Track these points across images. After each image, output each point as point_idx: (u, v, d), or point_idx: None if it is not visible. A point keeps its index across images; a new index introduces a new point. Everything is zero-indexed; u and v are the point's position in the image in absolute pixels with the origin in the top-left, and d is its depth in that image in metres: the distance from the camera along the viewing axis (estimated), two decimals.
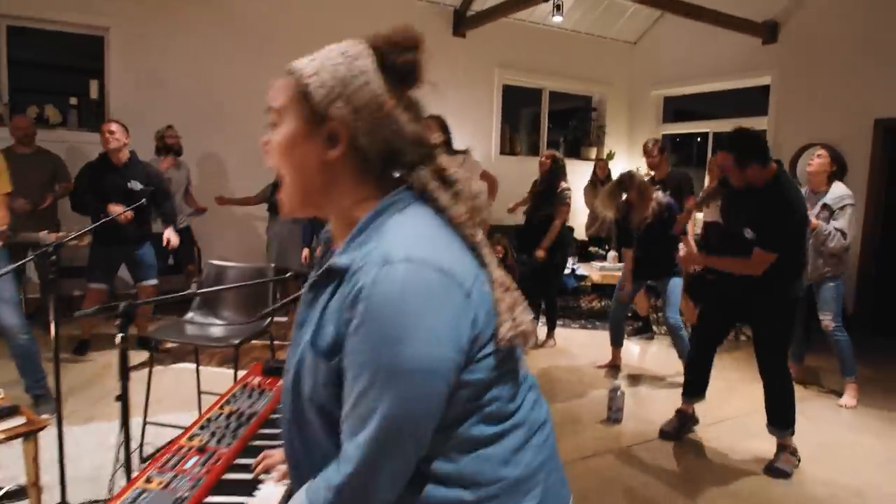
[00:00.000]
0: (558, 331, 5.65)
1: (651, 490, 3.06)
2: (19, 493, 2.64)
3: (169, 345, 4.68)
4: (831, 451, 3.54)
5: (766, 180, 3.09)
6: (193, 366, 4.35)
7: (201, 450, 1.53)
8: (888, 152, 6.21)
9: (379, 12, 7.21)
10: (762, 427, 3.35)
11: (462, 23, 7.71)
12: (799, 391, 4.48)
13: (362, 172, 0.93)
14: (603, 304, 6.96)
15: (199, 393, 3.45)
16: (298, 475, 1.00)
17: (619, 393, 3.86)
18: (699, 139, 9.30)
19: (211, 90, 6.44)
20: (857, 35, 6.35)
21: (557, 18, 6.48)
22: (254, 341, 3.67)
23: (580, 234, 7.97)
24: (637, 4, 6.82)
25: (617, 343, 4.91)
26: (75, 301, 5.00)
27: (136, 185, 4.41)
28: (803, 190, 4.32)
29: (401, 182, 0.95)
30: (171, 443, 1.60)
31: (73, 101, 6.11)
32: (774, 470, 3.22)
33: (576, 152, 8.89)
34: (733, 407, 4.12)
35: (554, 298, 5.57)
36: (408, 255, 0.82)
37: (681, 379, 3.82)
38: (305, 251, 4.97)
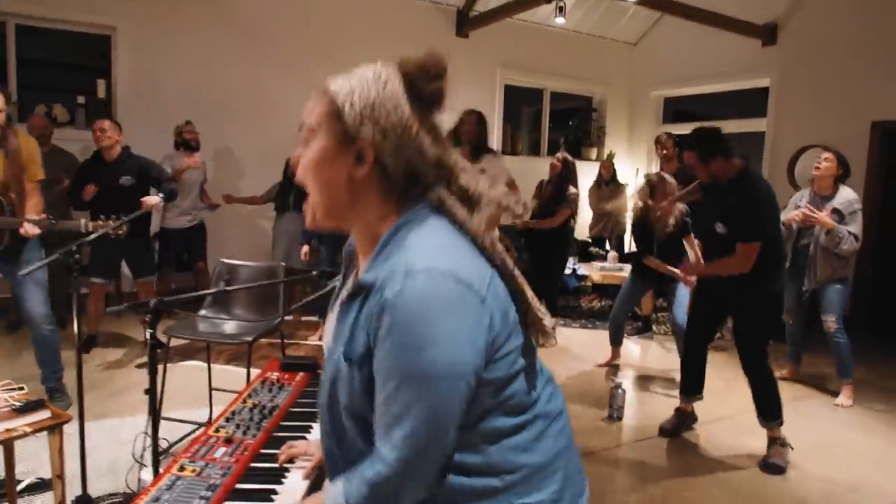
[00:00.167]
0: (559, 330, 5.73)
1: (651, 486, 3.15)
2: (40, 485, 2.71)
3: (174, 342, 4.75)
4: (827, 449, 3.62)
5: (732, 175, 3.22)
6: (201, 363, 4.45)
7: (228, 440, 1.60)
8: (885, 154, 6.30)
9: (383, 12, 7.31)
10: (758, 424, 3.44)
11: (465, 23, 7.79)
12: (795, 390, 4.59)
13: (386, 190, 1.00)
14: (603, 303, 7.04)
15: (211, 389, 3.51)
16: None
17: (620, 391, 3.94)
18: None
19: (217, 89, 6.51)
20: (856, 38, 6.43)
21: (560, 20, 6.55)
22: (261, 340, 3.74)
23: (583, 234, 8.02)
24: (637, 6, 6.89)
25: (616, 342, 4.99)
26: (80, 297, 5.06)
27: (126, 181, 4.50)
28: (806, 192, 4.40)
29: (420, 198, 1.01)
30: (196, 438, 1.67)
31: (81, 99, 6.18)
32: (770, 466, 3.31)
33: (576, 152, 8.95)
34: (731, 405, 4.19)
35: (555, 298, 5.65)
36: (428, 266, 0.89)
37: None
38: (305, 248, 5.04)
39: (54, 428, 2.20)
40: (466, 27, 7.80)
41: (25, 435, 2.11)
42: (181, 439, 3.23)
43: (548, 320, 1.07)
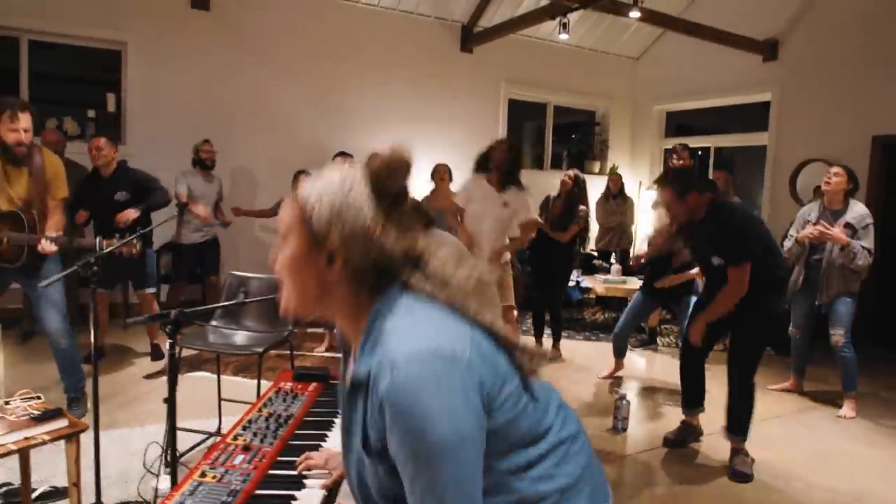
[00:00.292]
0: (563, 342, 5.76)
1: (656, 497, 3.18)
2: (53, 494, 2.75)
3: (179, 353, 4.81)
4: (830, 459, 3.65)
5: (707, 208, 3.32)
6: (208, 374, 4.50)
7: (246, 448, 1.65)
8: (886, 168, 6.37)
9: (390, 28, 7.43)
10: (762, 436, 3.48)
11: (469, 39, 7.90)
12: (799, 402, 4.62)
13: (357, 285, 1.06)
14: (606, 316, 7.08)
15: (220, 399, 3.56)
16: None
17: (624, 402, 3.97)
18: (700, 153, 9.45)
19: (225, 103, 6.60)
20: (856, 53, 6.51)
21: (564, 36, 6.62)
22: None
23: (589, 247, 8.05)
24: (639, 22, 6.98)
25: (620, 354, 5.03)
26: (85, 309, 5.11)
27: (121, 196, 4.53)
28: (814, 206, 4.44)
29: (390, 285, 1.07)
30: (214, 445, 1.71)
31: (91, 113, 6.27)
32: (738, 474, 3.35)
33: (579, 165, 8.98)
34: None
35: (559, 311, 5.69)
36: (407, 354, 0.95)
37: None
38: None
39: (71, 437, 2.24)
40: (471, 43, 7.91)
41: (44, 443, 2.16)
42: (191, 449, 3.27)
43: (536, 359, 1.10)
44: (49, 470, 2.97)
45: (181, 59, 6.39)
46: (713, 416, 3.85)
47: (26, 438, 2.12)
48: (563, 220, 5.44)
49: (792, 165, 7.10)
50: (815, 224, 4.26)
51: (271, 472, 1.57)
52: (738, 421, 3.44)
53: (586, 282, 6.48)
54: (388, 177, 1.05)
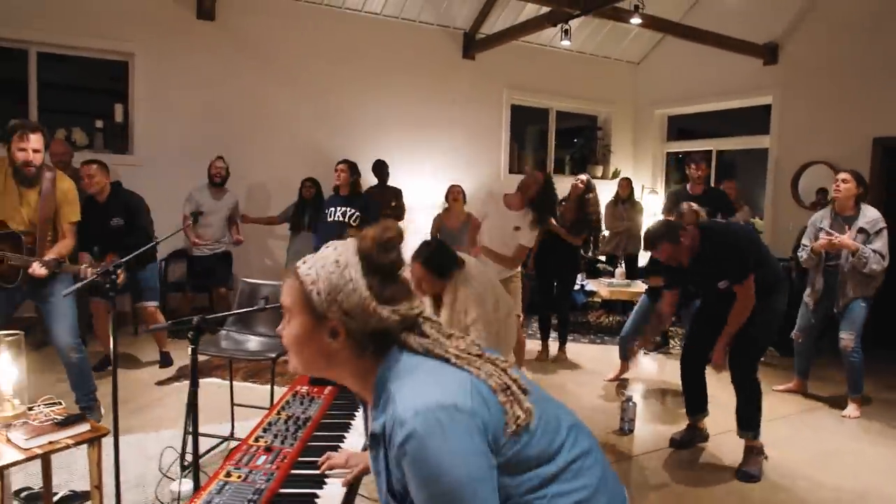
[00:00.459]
0: (568, 345, 5.81)
1: (662, 497, 3.22)
2: (73, 498, 2.81)
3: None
4: (835, 459, 3.70)
5: (698, 240, 3.37)
6: (218, 380, 4.55)
7: (268, 449, 1.71)
8: (886, 170, 6.42)
9: (392, 36, 7.51)
10: (768, 436, 3.52)
11: (472, 46, 7.97)
12: (803, 403, 4.67)
13: (359, 351, 1.15)
14: (611, 319, 7.12)
15: (233, 405, 3.61)
16: None
17: (631, 404, 4.02)
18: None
19: (230, 112, 6.68)
20: (856, 56, 6.57)
21: (566, 43, 6.69)
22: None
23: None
24: (640, 27, 7.05)
25: (625, 357, 5.08)
26: (91, 318, 5.15)
27: (117, 222, 4.50)
28: (826, 212, 4.48)
29: (390, 347, 1.15)
30: (237, 447, 1.77)
31: (99, 123, 6.34)
32: (744, 474, 3.39)
33: (582, 170, 9.07)
34: None
35: (566, 314, 5.74)
36: (413, 409, 1.03)
37: None
38: None
39: (94, 441, 2.30)
40: (473, 49, 7.98)
41: (68, 447, 2.21)
42: (206, 453, 3.33)
43: (523, 402, 1.15)
44: (66, 475, 3.03)
45: (187, 69, 6.47)
46: (718, 417, 3.90)
47: (50, 443, 2.17)
48: (578, 226, 5.50)
49: (793, 168, 7.15)
50: (826, 232, 4.32)
51: (293, 471, 1.62)
52: (747, 417, 3.48)
53: (591, 285, 6.53)
54: (379, 253, 1.14)
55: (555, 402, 1.24)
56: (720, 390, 3.92)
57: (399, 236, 1.17)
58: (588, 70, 8.96)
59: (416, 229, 6.59)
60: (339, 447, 1.78)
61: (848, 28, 6.65)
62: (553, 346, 5.71)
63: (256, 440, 1.78)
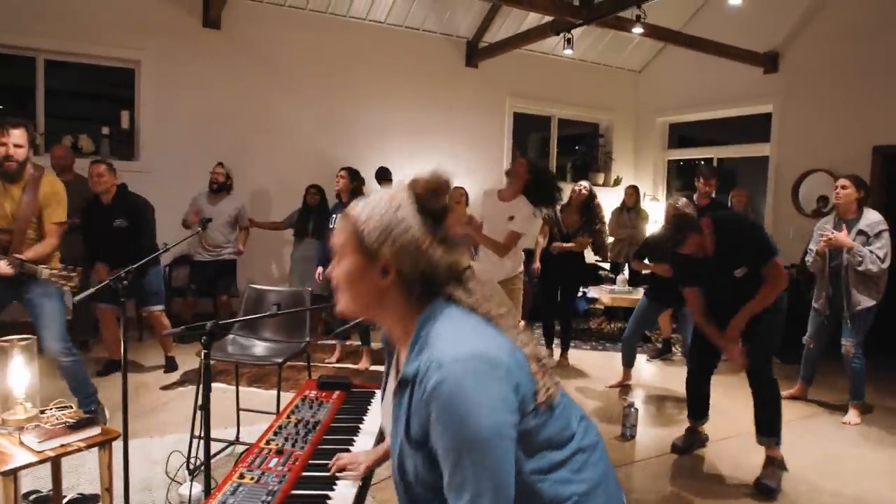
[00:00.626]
0: (570, 352, 5.84)
1: (663, 501, 3.25)
2: (81, 501, 2.84)
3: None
4: (836, 464, 3.73)
5: (710, 231, 3.36)
6: (223, 385, 4.58)
7: (279, 452, 1.75)
8: (886, 178, 6.46)
9: (396, 44, 7.57)
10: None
11: (475, 54, 8.05)
12: (804, 408, 4.69)
13: (407, 293, 1.18)
14: (613, 326, 7.16)
15: (238, 409, 3.65)
16: None
17: (632, 409, 4.05)
18: (702, 164, 9.55)
19: (235, 120, 6.74)
20: (856, 64, 6.63)
21: (568, 52, 6.74)
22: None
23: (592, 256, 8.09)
24: (641, 36, 7.10)
25: (629, 363, 5.12)
26: (98, 323, 5.18)
27: (120, 224, 4.54)
28: (830, 218, 4.52)
29: (437, 295, 1.19)
30: (249, 449, 1.80)
31: (106, 130, 6.40)
32: (761, 487, 3.36)
33: (583, 177, 9.10)
34: (741, 423, 4.26)
35: (569, 321, 5.77)
36: (453, 356, 1.06)
37: None
38: (319, 269, 5.20)
39: (104, 444, 2.33)
40: (476, 58, 8.05)
41: (79, 450, 2.25)
42: (213, 456, 3.35)
43: (553, 375, 1.20)
44: (74, 478, 3.06)
45: (193, 77, 6.53)
46: (719, 424, 3.93)
47: (63, 445, 2.21)
48: (583, 231, 5.56)
49: (794, 176, 7.20)
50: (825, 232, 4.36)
51: (305, 473, 1.66)
52: (766, 421, 3.47)
53: (593, 292, 6.57)
54: (431, 196, 1.17)
55: (567, 395, 1.27)
56: (721, 396, 3.95)
57: (448, 184, 1.19)
58: (590, 78, 9.02)
59: None
60: (349, 450, 1.82)
61: (848, 37, 6.71)
62: (556, 353, 5.75)
63: (267, 443, 1.82)
